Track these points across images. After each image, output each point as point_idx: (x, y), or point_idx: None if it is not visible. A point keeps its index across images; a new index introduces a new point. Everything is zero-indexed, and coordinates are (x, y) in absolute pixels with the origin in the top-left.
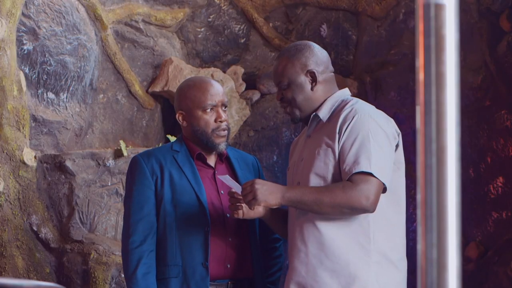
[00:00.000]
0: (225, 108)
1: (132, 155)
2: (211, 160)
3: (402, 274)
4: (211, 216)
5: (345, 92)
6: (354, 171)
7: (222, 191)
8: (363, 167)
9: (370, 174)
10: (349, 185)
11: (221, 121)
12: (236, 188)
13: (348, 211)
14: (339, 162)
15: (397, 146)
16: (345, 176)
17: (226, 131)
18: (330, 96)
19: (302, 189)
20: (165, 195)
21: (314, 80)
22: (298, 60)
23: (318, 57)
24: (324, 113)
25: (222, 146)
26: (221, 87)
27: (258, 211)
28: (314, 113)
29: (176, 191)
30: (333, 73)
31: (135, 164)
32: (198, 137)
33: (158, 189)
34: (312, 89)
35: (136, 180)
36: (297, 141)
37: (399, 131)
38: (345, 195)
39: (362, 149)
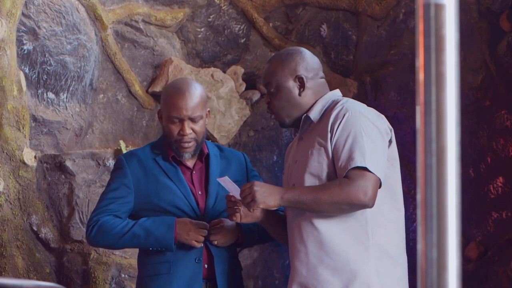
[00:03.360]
0: (196, 120)
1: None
2: (189, 161)
3: (402, 268)
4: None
5: (336, 93)
6: (349, 167)
7: (199, 192)
8: (358, 162)
9: (366, 169)
10: (346, 182)
11: (183, 135)
12: (234, 191)
13: (347, 207)
14: (333, 160)
15: (390, 141)
16: (340, 173)
17: (191, 143)
18: (321, 97)
19: (299, 189)
20: (151, 196)
21: (302, 85)
22: (288, 65)
23: (308, 63)
24: (315, 114)
25: (186, 156)
26: (196, 98)
27: (256, 215)
28: (305, 115)
29: (162, 192)
30: (324, 79)
31: (117, 164)
32: (168, 142)
33: (141, 190)
34: (299, 94)
35: (115, 179)
36: (291, 146)
37: (391, 127)
38: (343, 192)
39: (356, 145)
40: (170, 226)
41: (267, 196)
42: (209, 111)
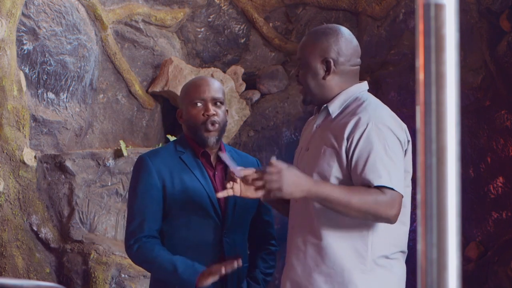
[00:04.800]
0: (218, 104)
1: (132, 155)
2: (213, 159)
3: (397, 277)
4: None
5: (361, 87)
6: (376, 184)
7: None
8: (384, 182)
9: (391, 188)
10: (379, 193)
11: (208, 115)
12: (235, 169)
13: (372, 218)
14: (354, 171)
15: (405, 153)
16: (364, 185)
17: (216, 125)
18: (344, 91)
19: (330, 186)
20: (176, 197)
21: (328, 69)
22: (320, 45)
23: (342, 47)
24: (334, 108)
25: (211, 140)
26: (216, 84)
27: (257, 194)
28: (325, 105)
29: (187, 192)
30: (357, 67)
31: (140, 163)
32: (192, 133)
33: (166, 190)
34: (324, 78)
35: (141, 180)
36: (310, 122)
37: (409, 138)
38: (376, 202)
39: (380, 162)
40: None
41: (295, 186)
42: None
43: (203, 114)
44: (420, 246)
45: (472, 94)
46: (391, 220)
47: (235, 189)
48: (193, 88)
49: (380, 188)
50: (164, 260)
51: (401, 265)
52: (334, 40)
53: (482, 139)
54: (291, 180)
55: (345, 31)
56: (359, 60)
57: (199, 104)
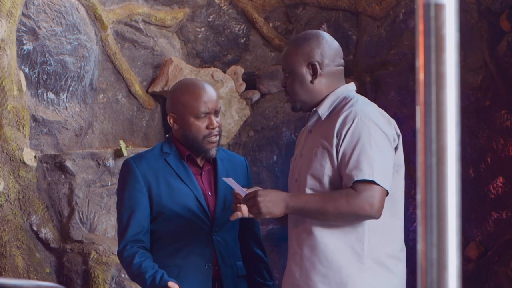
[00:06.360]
0: (217, 114)
1: (132, 155)
2: (200, 161)
3: (398, 279)
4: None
5: (348, 88)
6: (356, 179)
7: (209, 193)
8: (366, 175)
9: (373, 182)
10: (352, 194)
11: (212, 128)
12: (239, 190)
13: (353, 219)
14: (340, 167)
15: (396, 148)
16: (347, 182)
17: (217, 137)
18: (332, 92)
19: (305, 197)
20: (163, 200)
21: (315, 73)
22: (302, 50)
23: (324, 49)
24: (323, 110)
25: (213, 152)
26: (214, 92)
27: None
28: (314, 109)
29: (173, 194)
30: (341, 67)
31: (126, 167)
32: (189, 142)
33: (152, 193)
34: (312, 82)
35: (127, 184)
36: (303, 131)
37: (399, 132)
38: (349, 204)
39: (364, 155)
40: None
41: (272, 206)
42: None
43: (207, 127)
44: (420, 246)
45: (472, 94)
46: (373, 216)
47: (243, 210)
48: (197, 99)
49: (361, 182)
50: (140, 275)
51: (403, 267)
52: (316, 43)
53: (482, 139)
54: (267, 200)
55: (324, 34)
56: (342, 60)
57: (202, 116)
